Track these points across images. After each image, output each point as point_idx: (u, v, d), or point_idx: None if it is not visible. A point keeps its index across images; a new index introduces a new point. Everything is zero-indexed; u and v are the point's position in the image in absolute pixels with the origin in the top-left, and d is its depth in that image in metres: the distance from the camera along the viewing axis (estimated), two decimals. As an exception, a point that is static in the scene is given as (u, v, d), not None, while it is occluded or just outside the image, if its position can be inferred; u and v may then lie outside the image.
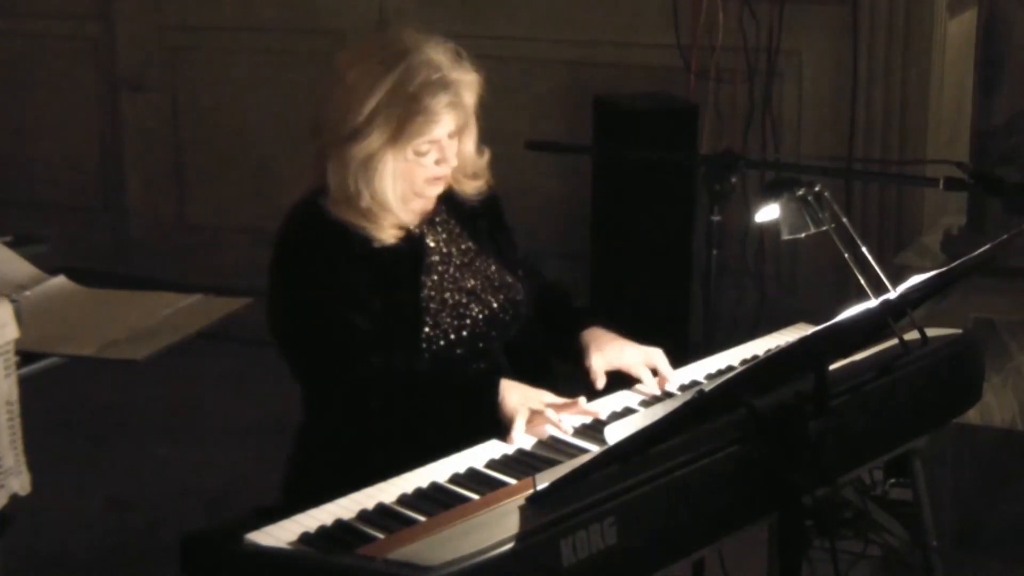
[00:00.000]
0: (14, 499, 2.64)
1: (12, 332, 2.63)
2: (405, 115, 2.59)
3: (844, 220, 2.83)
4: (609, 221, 5.10)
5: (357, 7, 5.78)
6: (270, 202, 5.91)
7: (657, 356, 2.79)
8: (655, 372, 2.78)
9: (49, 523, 4.01)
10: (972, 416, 3.47)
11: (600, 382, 2.76)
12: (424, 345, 2.66)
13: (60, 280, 3.24)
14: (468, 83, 2.66)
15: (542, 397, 2.57)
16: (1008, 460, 3.81)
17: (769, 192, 3.00)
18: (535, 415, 2.53)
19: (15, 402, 2.63)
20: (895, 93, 5.15)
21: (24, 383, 2.67)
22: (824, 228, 2.87)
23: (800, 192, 2.91)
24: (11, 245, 3.28)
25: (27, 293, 3.12)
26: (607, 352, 2.79)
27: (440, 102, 2.61)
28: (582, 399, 2.61)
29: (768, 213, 3.00)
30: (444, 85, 2.62)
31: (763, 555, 2.77)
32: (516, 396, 2.55)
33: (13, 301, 2.76)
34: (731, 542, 2.34)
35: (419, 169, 2.66)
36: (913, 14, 5.09)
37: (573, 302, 3.01)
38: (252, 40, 5.97)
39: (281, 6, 5.91)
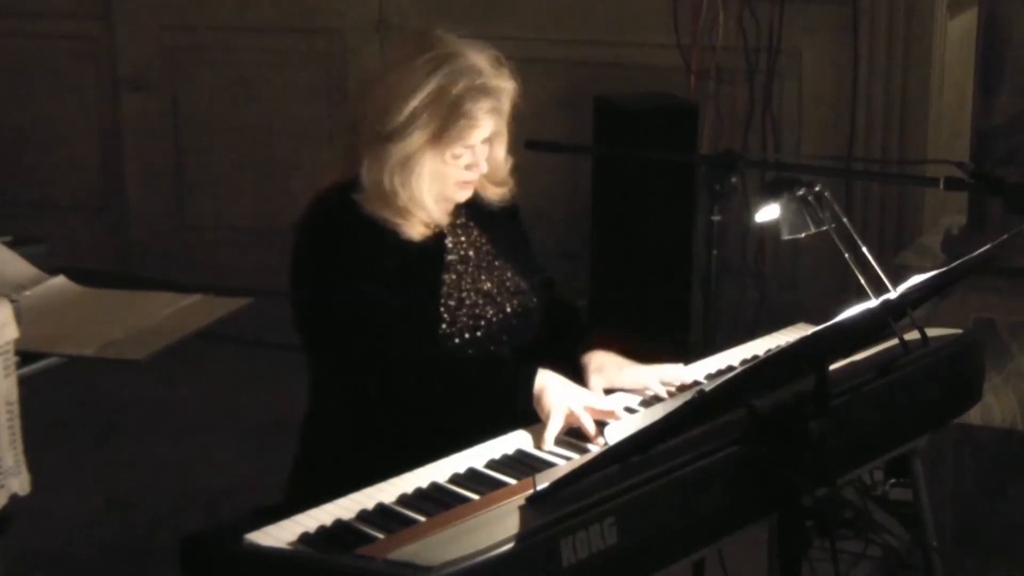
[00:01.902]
0: (14, 499, 2.64)
1: (12, 332, 2.63)
2: (447, 118, 2.61)
3: (844, 220, 2.83)
4: (609, 221, 5.10)
5: (357, 7, 5.79)
6: (270, 202, 5.96)
7: (649, 377, 2.73)
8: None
9: (49, 523, 4.01)
10: (972, 416, 3.47)
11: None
12: (440, 342, 2.67)
13: (60, 280, 3.24)
14: (508, 90, 2.68)
15: (585, 400, 2.55)
16: (1008, 460, 3.80)
17: (769, 192, 3.00)
18: (573, 419, 2.51)
19: (15, 402, 2.63)
20: (895, 93, 5.15)
21: (24, 383, 2.67)
22: (824, 228, 2.87)
23: (800, 192, 2.91)
24: (11, 245, 3.28)
25: (27, 293, 3.13)
26: (607, 372, 2.75)
27: (482, 108, 2.63)
28: (619, 409, 2.58)
29: (768, 213, 3.00)
30: (486, 91, 2.64)
31: (763, 555, 2.77)
32: (560, 393, 2.53)
33: (13, 301, 2.76)
34: (731, 542, 2.34)
35: (452, 172, 2.68)
36: (913, 14, 5.10)
37: (580, 321, 3.00)
38: (252, 40, 5.97)
39: (281, 6, 5.91)
